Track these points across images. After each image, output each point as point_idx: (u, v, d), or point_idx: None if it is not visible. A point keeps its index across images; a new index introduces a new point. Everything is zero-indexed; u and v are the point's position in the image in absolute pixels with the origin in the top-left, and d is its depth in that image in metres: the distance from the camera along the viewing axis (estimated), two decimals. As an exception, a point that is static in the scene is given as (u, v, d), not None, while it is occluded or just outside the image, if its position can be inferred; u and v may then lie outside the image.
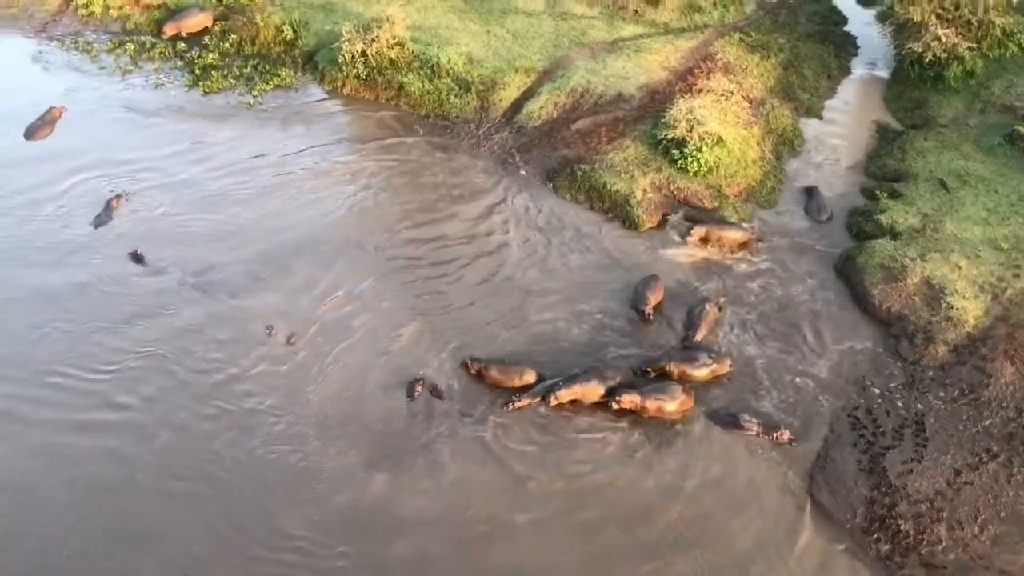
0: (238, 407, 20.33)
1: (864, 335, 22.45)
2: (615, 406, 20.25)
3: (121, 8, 34.54)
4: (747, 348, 22.14)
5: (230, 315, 22.57)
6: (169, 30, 33.28)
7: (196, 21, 33.40)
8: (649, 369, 21.27)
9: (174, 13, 34.04)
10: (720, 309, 22.73)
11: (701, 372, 21.14)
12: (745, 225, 25.40)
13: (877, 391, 21.03)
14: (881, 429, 20.07)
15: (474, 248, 24.80)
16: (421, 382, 21.08)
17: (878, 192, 26.72)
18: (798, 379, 21.35)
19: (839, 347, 22.15)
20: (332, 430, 19.96)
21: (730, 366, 21.39)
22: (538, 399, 20.44)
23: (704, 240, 24.98)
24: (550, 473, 19.17)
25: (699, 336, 21.98)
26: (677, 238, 25.27)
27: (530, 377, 20.97)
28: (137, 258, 24.12)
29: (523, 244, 25.00)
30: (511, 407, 20.35)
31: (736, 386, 21.24)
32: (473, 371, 21.20)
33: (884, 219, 25.39)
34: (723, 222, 25.48)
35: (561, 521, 18.27)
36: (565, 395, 20.37)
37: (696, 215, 25.88)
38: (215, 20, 33.93)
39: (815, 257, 24.90)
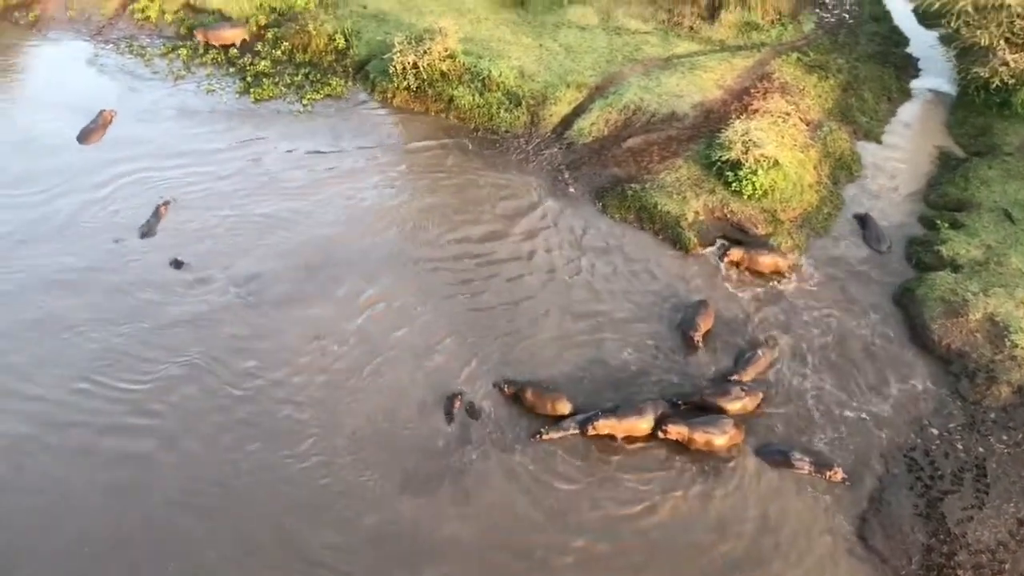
0: (270, 419, 20.19)
1: (923, 372, 21.63)
2: (661, 435, 19.69)
3: (176, 13, 34.70)
4: (800, 381, 21.44)
5: (271, 326, 22.44)
6: (199, 36, 33.29)
7: (228, 34, 33.28)
8: (680, 402, 20.70)
9: (206, 24, 34.07)
10: (774, 354, 21.89)
11: (732, 406, 20.44)
12: (789, 256, 24.62)
13: (936, 431, 20.22)
14: (939, 472, 19.27)
15: (519, 266, 24.40)
16: (459, 398, 20.79)
17: (939, 222, 25.81)
18: (852, 415, 20.62)
19: (896, 383, 21.36)
20: (365, 448, 19.69)
21: (762, 399, 20.68)
22: (571, 432, 19.93)
23: (739, 263, 24.37)
24: (590, 508, 18.67)
25: (744, 379, 21.25)
26: (714, 260, 24.61)
27: (562, 407, 20.43)
28: (177, 264, 24.14)
29: (569, 264, 24.54)
30: (540, 438, 19.90)
31: (787, 420, 20.58)
32: (508, 393, 20.85)
33: (945, 250, 24.52)
34: (763, 247, 24.76)
35: (601, 561, 17.77)
36: (603, 426, 19.86)
37: (741, 238, 25.18)
38: (264, 27, 33.91)
39: (873, 288, 24.08)
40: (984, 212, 25.98)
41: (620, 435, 19.88)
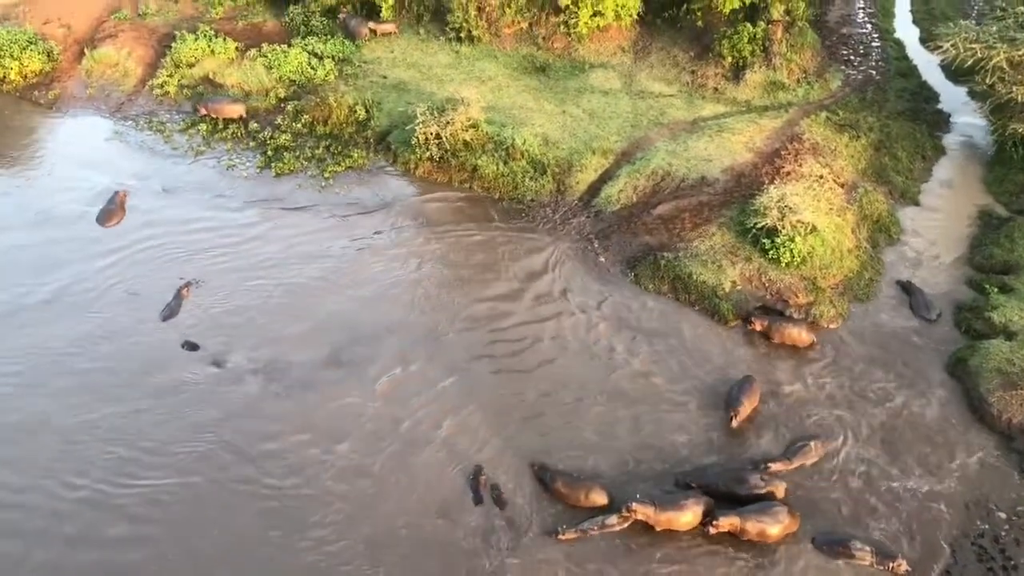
0: (285, 514, 19.15)
1: (984, 448, 20.50)
2: (712, 531, 18.55)
3: (195, 88, 34.48)
4: (853, 461, 20.30)
5: (290, 412, 21.52)
6: (201, 109, 33.14)
7: (228, 109, 33.05)
8: (693, 485, 19.59)
9: (208, 97, 33.90)
10: (826, 446, 20.66)
11: (752, 493, 19.27)
12: (812, 331, 23.67)
13: (1003, 515, 19.01)
14: (1012, 562, 18.02)
15: (550, 344, 23.48)
16: (484, 476, 19.91)
17: (987, 286, 24.83)
18: (912, 498, 19.45)
19: (957, 462, 20.22)
20: (387, 550, 18.47)
21: (786, 491, 19.43)
22: (606, 527, 18.84)
23: (765, 333, 23.50)
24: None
25: (788, 469, 20.10)
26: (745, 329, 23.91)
27: (598, 497, 19.34)
28: (192, 346, 23.43)
29: (601, 340, 23.62)
30: (566, 535, 18.71)
31: (842, 505, 19.37)
32: (535, 472, 19.95)
33: (996, 317, 23.50)
34: (789, 318, 23.89)
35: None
36: (640, 511, 18.72)
37: (782, 309, 24.26)
38: (284, 100, 33.70)
39: (923, 358, 23.06)
40: (1034, 274, 25.00)
41: (659, 527, 18.74)
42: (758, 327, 23.59)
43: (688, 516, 18.77)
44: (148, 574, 18.06)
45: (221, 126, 32.70)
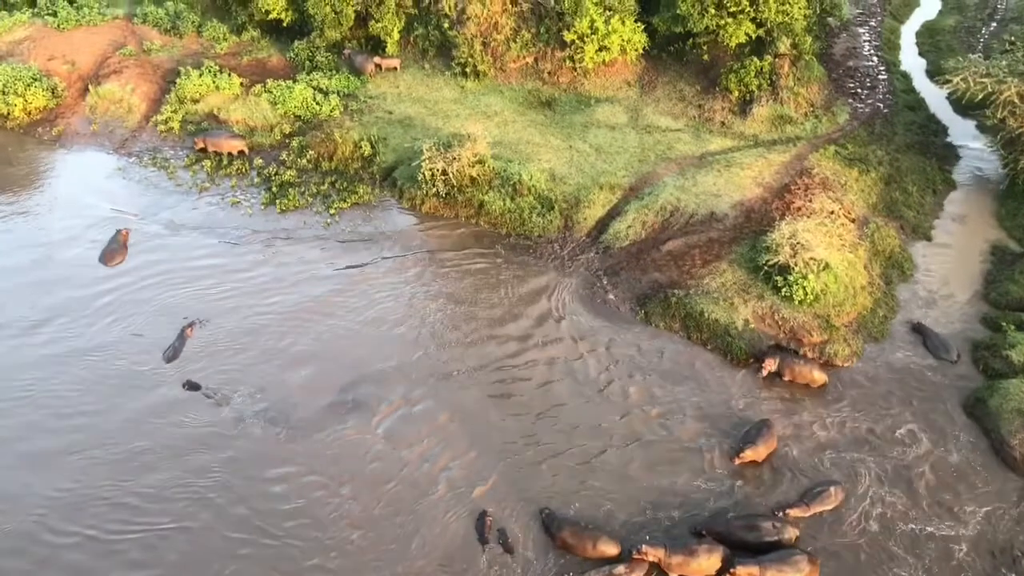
0: (285, 556, 18.62)
1: (1007, 493, 19.95)
2: None
3: (199, 125, 34.31)
4: (873, 505, 19.74)
5: (294, 456, 21.04)
6: (198, 143, 33.00)
7: (226, 144, 32.90)
8: (704, 532, 19.11)
9: (207, 130, 33.74)
10: (841, 492, 20.02)
11: (762, 541, 18.76)
12: (824, 371, 23.20)
13: (1031, 563, 18.43)
14: (1042, 614, 17.43)
15: (562, 387, 23.03)
16: (490, 518, 19.49)
17: (1003, 323, 24.40)
18: (935, 545, 18.86)
19: (980, 506, 19.66)
20: None
21: (797, 537, 18.93)
22: None
23: (778, 374, 23.01)
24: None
25: (806, 515, 19.58)
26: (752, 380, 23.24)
27: (608, 548, 18.81)
28: (193, 386, 23.01)
29: (611, 381, 23.16)
30: None
31: (863, 552, 18.80)
32: (543, 519, 19.48)
33: (1015, 356, 23.05)
34: (802, 357, 23.39)
35: None
36: (651, 553, 18.29)
37: (796, 348, 23.83)
38: (289, 135, 33.53)
39: (940, 398, 22.58)
40: (1051, 311, 24.59)
41: (671, 572, 18.27)
42: (770, 368, 23.08)
43: (701, 562, 18.27)
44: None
45: (225, 162, 32.48)
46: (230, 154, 32.85)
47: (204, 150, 32.94)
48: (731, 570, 18.13)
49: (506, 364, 23.72)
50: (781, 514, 19.46)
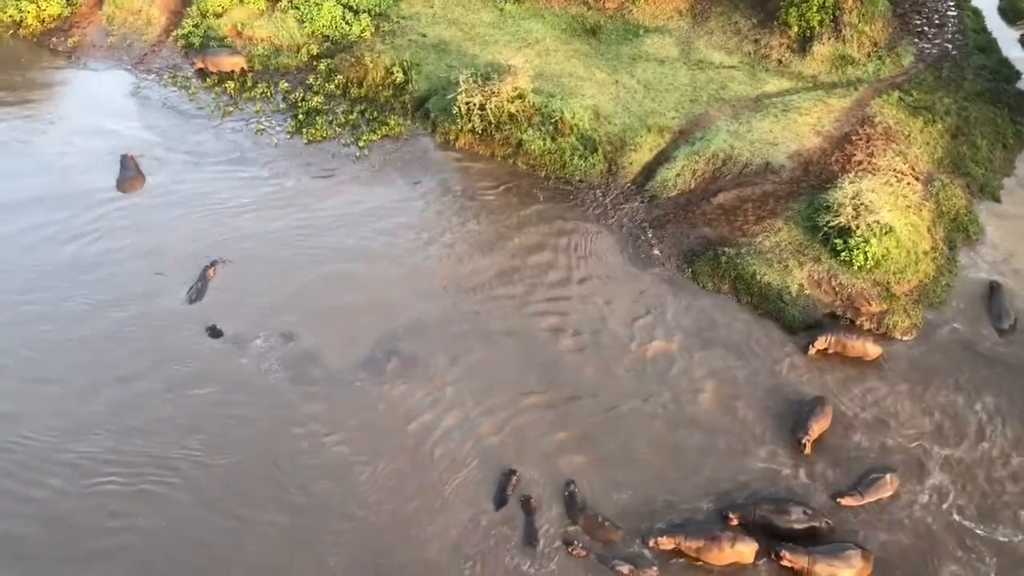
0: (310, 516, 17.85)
1: (1077, 491, 18.80)
2: (784, 562, 17.24)
3: (223, 41, 32.32)
4: (933, 501, 18.68)
5: (318, 412, 20.19)
6: (198, 63, 31.21)
7: (227, 62, 30.99)
8: (730, 515, 18.13)
9: (205, 49, 31.81)
10: (897, 481, 18.97)
11: (792, 528, 17.88)
12: (879, 343, 21.81)
13: (1101, 570, 17.41)
14: (1111, 627, 16.47)
15: (604, 354, 21.85)
16: (516, 478, 18.80)
17: (1076, 298, 22.89)
18: (999, 548, 17.82)
19: (1048, 505, 18.55)
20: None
21: (827, 525, 17.99)
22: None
23: (828, 352, 21.61)
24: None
25: (859, 503, 18.55)
26: (799, 355, 21.81)
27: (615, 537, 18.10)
28: (215, 332, 22.00)
29: (654, 345, 21.97)
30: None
31: (920, 550, 17.83)
32: (566, 498, 18.74)
33: (1089, 336, 21.61)
34: (851, 329, 21.96)
35: None
36: (664, 543, 17.59)
37: (853, 317, 22.47)
38: (316, 57, 31.55)
39: (1006, 377, 21.23)
40: None
41: (691, 554, 17.50)
42: (820, 347, 21.54)
43: (724, 548, 17.42)
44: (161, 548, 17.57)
45: (250, 84, 30.65)
46: (232, 72, 30.90)
47: (203, 70, 31.04)
48: (778, 553, 17.27)
49: (541, 323, 22.51)
50: (835, 501, 18.48)
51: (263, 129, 28.90)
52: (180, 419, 20.08)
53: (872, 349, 21.62)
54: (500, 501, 18.58)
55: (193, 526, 18.11)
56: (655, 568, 17.36)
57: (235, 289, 23.22)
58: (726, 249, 23.93)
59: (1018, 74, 31.96)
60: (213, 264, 23.80)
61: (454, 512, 18.39)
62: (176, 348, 21.65)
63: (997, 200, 26.58)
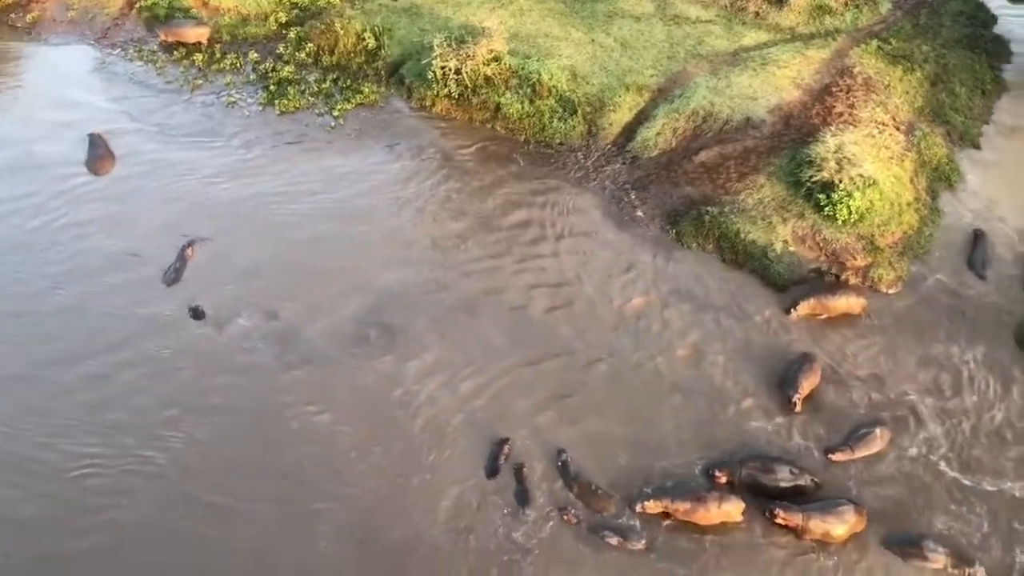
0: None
1: (1063, 437, 18.99)
2: (778, 521, 17.33)
3: (187, 12, 31.44)
4: (917, 448, 18.85)
5: (306, 384, 19.95)
6: (161, 35, 30.53)
7: (191, 33, 30.27)
8: (718, 473, 18.17)
9: (170, 21, 31.04)
10: (888, 434, 19.06)
11: (778, 486, 17.99)
12: (862, 295, 21.80)
13: (1089, 511, 17.66)
14: (1100, 569, 16.74)
15: (590, 316, 21.71)
16: (508, 446, 18.70)
17: (1059, 245, 22.97)
18: (988, 496, 18.03)
19: (1034, 455, 18.73)
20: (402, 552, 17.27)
21: (814, 482, 18.09)
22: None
23: (812, 315, 21.51)
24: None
25: (851, 458, 18.63)
26: (783, 317, 21.62)
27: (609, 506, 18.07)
28: (197, 314, 21.61)
29: (644, 308, 21.84)
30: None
31: (910, 502, 17.98)
32: (559, 467, 18.64)
33: (1072, 282, 21.73)
34: (832, 288, 21.93)
35: None
36: (652, 508, 17.58)
37: (838, 272, 22.44)
38: (286, 25, 30.81)
39: (989, 327, 21.36)
40: (1109, 231, 23.10)
41: (679, 516, 17.53)
42: (803, 313, 21.42)
43: (711, 509, 17.46)
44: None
45: (219, 56, 29.88)
46: (197, 44, 30.15)
47: (167, 42, 30.27)
48: (772, 512, 17.38)
49: (526, 292, 22.31)
50: (826, 457, 18.59)
51: (234, 101, 28.25)
52: (162, 401, 19.72)
53: (856, 303, 21.59)
54: (492, 470, 18.54)
55: (178, 510, 17.84)
56: (643, 540, 17.31)
57: (214, 266, 22.81)
58: (709, 208, 23.77)
59: (995, 19, 31.80)
60: (191, 243, 23.36)
61: (445, 483, 18.30)
62: (155, 330, 21.26)
63: (977, 147, 26.54)
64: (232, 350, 20.98)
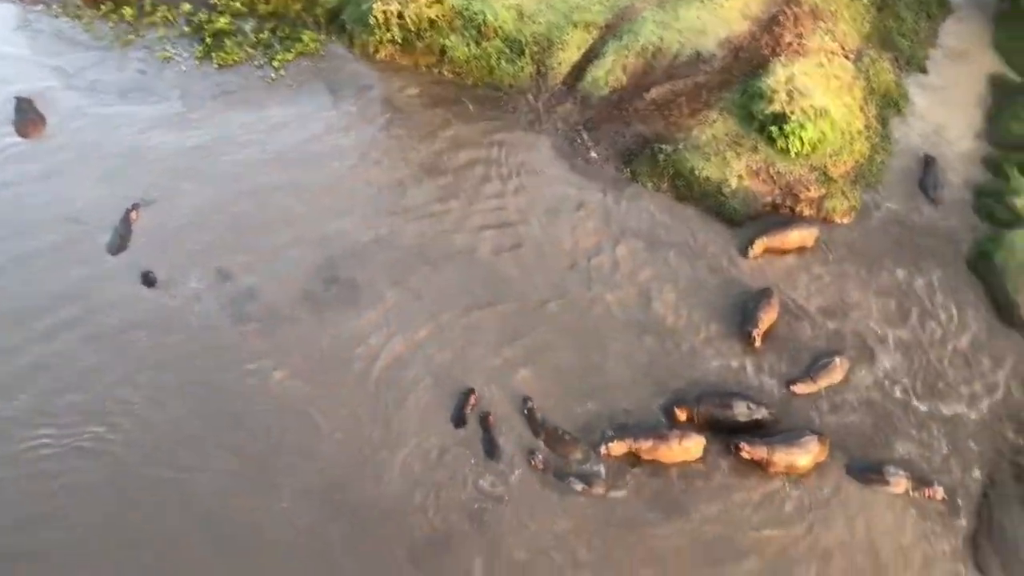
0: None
1: (1015, 356, 19.43)
2: (743, 455, 17.57)
3: (112, -38, 29.96)
4: (873, 377, 19.14)
5: (264, 345, 19.59)
6: None
7: None
8: (677, 410, 18.35)
9: None
10: (847, 363, 19.34)
11: (737, 421, 18.25)
12: (814, 226, 21.90)
13: (1039, 429, 18.15)
14: (1051, 479, 17.27)
15: (538, 253, 21.60)
16: (474, 396, 18.65)
17: (1006, 167, 23.16)
18: (944, 417, 18.47)
19: (988, 372, 19.19)
20: (361, 507, 17.18)
21: (772, 416, 18.31)
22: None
23: (768, 251, 21.56)
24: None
25: (813, 389, 18.86)
26: (740, 259, 21.61)
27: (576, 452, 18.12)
28: (148, 280, 21.03)
29: (597, 249, 21.76)
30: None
31: (870, 428, 18.33)
32: (526, 413, 18.62)
33: (1020, 202, 22.03)
34: (785, 222, 21.94)
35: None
36: (616, 448, 17.70)
37: (792, 205, 22.48)
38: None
39: (943, 251, 21.67)
40: (1055, 151, 23.37)
41: (644, 456, 17.69)
42: (761, 250, 21.41)
43: (673, 447, 17.64)
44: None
45: (149, 9, 28.58)
46: None
47: None
48: (737, 447, 17.59)
49: (483, 234, 22.10)
50: (788, 390, 18.81)
51: (169, 56, 27.13)
52: (114, 370, 19.25)
53: (809, 235, 21.64)
54: (458, 421, 18.48)
55: (135, 481, 17.50)
56: (604, 485, 17.40)
57: (161, 228, 22.12)
58: (663, 146, 23.54)
59: (938, -63, 31.48)
60: (135, 207, 22.57)
61: (409, 436, 18.18)
62: (103, 298, 20.62)
63: (924, 72, 26.55)
64: (186, 313, 20.49)
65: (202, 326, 20.17)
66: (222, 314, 20.42)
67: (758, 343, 19.50)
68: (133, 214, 22.38)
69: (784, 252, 21.48)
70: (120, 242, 21.87)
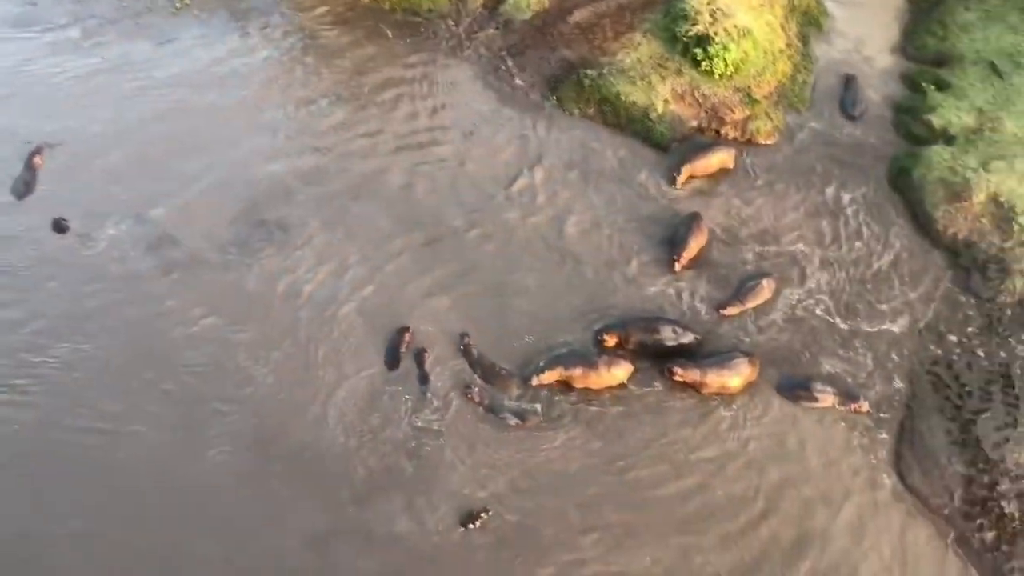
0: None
1: (934, 270, 20.00)
2: (676, 378, 17.80)
3: None
4: (798, 296, 19.50)
5: (186, 291, 19.01)
6: None
7: None
8: (605, 336, 18.48)
9: None
10: (773, 284, 19.54)
11: (663, 345, 18.40)
12: (732, 148, 21.99)
13: (954, 338, 18.86)
14: (967, 388, 18.02)
15: (470, 189, 21.20)
16: (409, 334, 18.42)
17: (923, 83, 23.51)
18: (864, 330, 18.95)
19: (907, 286, 19.71)
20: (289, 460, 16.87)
21: (697, 339, 18.60)
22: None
23: (693, 176, 21.55)
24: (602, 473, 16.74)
25: (742, 311, 19.10)
26: (667, 187, 21.54)
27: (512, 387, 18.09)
28: (60, 227, 20.05)
29: (522, 177, 21.43)
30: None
31: (797, 347, 18.75)
32: (462, 349, 18.46)
33: (936, 119, 22.41)
34: (705, 146, 21.93)
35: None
36: (547, 379, 17.75)
37: (717, 127, 22.56)
38: None
39: (864, 169, 21.93)
40: (968, 66, 23.83)
41: (575, 384, 17.79)
42: (687, 176, 21.36)
43: (602, 374, 17.74)
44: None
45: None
46: None
47: None
48: (671, 370, 17.84)
49: (407, 166, 21.57)
50: (718, 313, 19.07)
51: (63, -15, 25.50)
52: (30, 325, 18.35)
53: (728, 157, 21.69)
54: (393, 360, 18.24)
55: (57, 439, 16.72)
56: (538, 417, 17.48)
57: (68, 171, 21.04)
58: (588, 71, 23.19)
59: None
60: (39, 150, 21.38)
61: (343, 378, 17.78)
62: (12, 251, 19.62)
63: (844, -13, 26.64)
64: (104, 261, 19.54)
65: (123, 274, 19.30)
66: (143, 261, 19.54)
67: (678, 268, 19.57)
68: (37, 159, 21.17)
69: (708, 176, 21.53)
70: (25, 188, 20.75)
